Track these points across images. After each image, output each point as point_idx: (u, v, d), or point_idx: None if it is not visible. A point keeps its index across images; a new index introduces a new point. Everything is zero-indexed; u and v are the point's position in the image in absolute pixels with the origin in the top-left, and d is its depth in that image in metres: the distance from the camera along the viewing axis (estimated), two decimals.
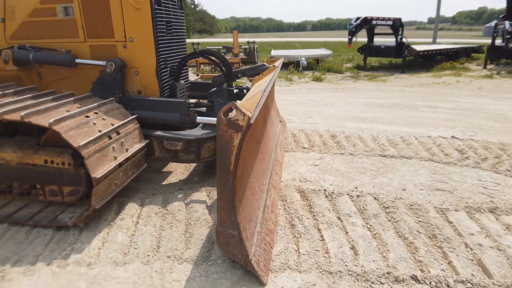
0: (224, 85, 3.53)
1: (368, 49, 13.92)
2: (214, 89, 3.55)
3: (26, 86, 3.19)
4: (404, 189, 3.12)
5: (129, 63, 3.31)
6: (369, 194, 3.03)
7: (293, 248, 2.33)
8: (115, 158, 2.64)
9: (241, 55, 13.51)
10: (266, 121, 3.35)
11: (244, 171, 2.20)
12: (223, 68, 3.54)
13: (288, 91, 8.47)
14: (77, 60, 3.29)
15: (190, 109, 3.19)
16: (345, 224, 2.59)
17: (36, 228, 2.66)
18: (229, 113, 1.86)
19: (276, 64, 4.00)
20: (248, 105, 1.95)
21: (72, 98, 2.92)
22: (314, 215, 2.73)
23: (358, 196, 3.01)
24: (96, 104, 2.89)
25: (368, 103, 6.85)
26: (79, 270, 2.19)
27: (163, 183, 3.41)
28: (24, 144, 2.78)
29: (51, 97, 2.92)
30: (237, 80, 4.35)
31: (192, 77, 4.63)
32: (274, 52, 15.39)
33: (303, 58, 12.75)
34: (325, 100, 7.13)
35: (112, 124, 2.78)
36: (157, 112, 3.20)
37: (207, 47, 15.87)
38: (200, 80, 4.47)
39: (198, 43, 13.35)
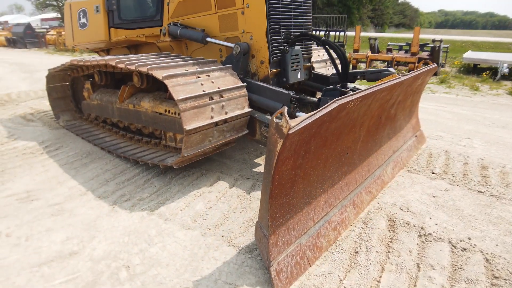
0: (338, 85, 3.30)
1: None
2: (330, 86, 3.37)
3: (177, 53, 3.94)
4: None
5: (245, 28, 3.57)
6: (481, 251, 2.29)
7: (338, 276, 2.07)
8: (212, 117, 2.94)
9: (424, 54, 11.92)
10: (371, 133, 2.96)
11: (299, 178, 2.08)
12: (338, 67, 3.30)
13: (460, 102, 6.99)
14: (208, 39, 3.81)
15: (293, 102, 3.16)
16: (419, 275, 2.08)
17: (152, 179, 3.35)
18: (279, 118, 1.79)
19: (405, 73, 3.39)
20: (307, 116, 1.81)
21: (196, 61, 3.40)
22: (388, 251, 2.31)
23: (464, 249, 2.32)
24: (211, 68, 3.24)
25: None
26: (158, 221, 2.65)
27: (261, 171, 3.58)
28: (156, 97, 3.52)
29: (181, 58, 3.51)
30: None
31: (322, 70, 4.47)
32: (468, 54, 12.77)
33: (505, 65, 10.07)
34: (505, 121, 5.54)
35: (218, 88, 3.06)
36: (262, 97, 3.35)
37: (389, 43, 14.73)
38: (322, 72, 4.28)
39: (375, 38, 12.55)
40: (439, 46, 11.17)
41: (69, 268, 2.18)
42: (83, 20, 5.02)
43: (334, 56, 3.36)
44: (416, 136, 4.09)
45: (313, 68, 4.28)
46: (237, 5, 3.57)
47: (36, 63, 14.69)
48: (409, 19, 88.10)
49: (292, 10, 3.66)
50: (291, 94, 3.17)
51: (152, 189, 3.18)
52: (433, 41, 11.57)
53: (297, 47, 3.74)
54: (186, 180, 3.35)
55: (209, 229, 2.55)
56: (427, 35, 28.75)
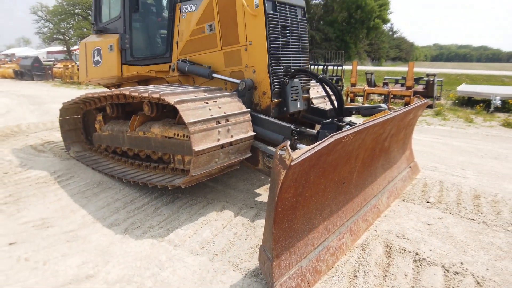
0: (335, 119, 3.57)
1: None
2: (327, 120, 3.64)
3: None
4: None
5: (248, 63, 3.86)
6: (473, 275, 2.44)
7: None
8: (218, 140, 3.16)
9: (420, 88, 12.38)
10: (366, 164, 3.18)
11: (300, 205, 2.28)
12: (334, 102, 3.59)
13: (455, 134, 7.27)
14: (214, 75, 4.11)
15: (294, 135, 3.40)
16: None
17: (161, 208, 3.52)
18: (283, 150, 2.02)
19: (397, 108, 3.67)
20: (307, 149, 2.03)
21: (203, 88, 3.69)
22: (384, 275, 2.45)
23: (456, 273, 2.47)
24: (218, 94, 3.51)
25: None
26: (167, 247, 2.81)
27: (264, 200, 3.77)
28: (166, 123, 3.78)
29: (191, 87, 3.79)
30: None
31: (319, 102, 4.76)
32: (463, 87, 13.26)
33: (498, 97, 10.46)
34: (498, 152, 5.77)
35: (224, 112, 3.31)
36: (266, 130, 3.60)
37: (385, 77, 15.30)
38: (321, 106, 4.56)
39: (372, 73, 13.10)
40: (433, 80, 11.65)
41: None
42: (97, 57, 5.41)
43: (330, 92, 3.66)
44: (410, 167, 4.31)
45: (312, 102, 4.58)
46: (240, 43, 3.90)
47: (43, 95, 15.14)
48: (405, 52, 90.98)
49: (290, 46, 3.99)
50: (292, 127, 3.41)
51: (161, 217, 3.35)
52: (427, 75, 12.08)
53: (296, 79, 4.03)
54: (193, 208, 3.53)
55: (216, 255, 2.71)
56: (423, 69, 29.72)
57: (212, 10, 4.03)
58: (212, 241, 2.90)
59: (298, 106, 4.08)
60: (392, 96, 11.50)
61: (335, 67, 16.38)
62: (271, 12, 3.69)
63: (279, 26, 3.79)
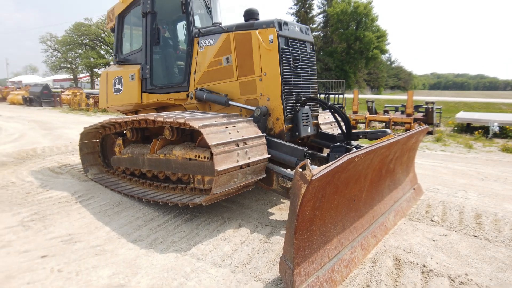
0: (344, 142, 3.85)
1: None
2: (337, 144, 3.92)
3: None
4: None
5: (263, 92, 4.19)
6: (477, 285, 2.63)
7: None
8: (237, 161, 3.40)
9: (419, 115, 12.78)
10: (374, 184, 3.43)
11: (317, 219, 2.52)
12: (343, 127, 3.90)
13: (455, 159, 7.52)
14: (230, 102, 4.41)
15: (306, 157, 3.67)
16: None
17: (181, 225, 3.74)
18: (304, 168, 2.28)
19: (401, 133, 3.97)
20: (324, 166, 2.30)
21: (221, 114, 4.01)
22: (395, 285, 2.64)
23: (461, 283, 2.66)
24: (236, 120, 3.82)
25: None
26: (191, 260, 3.01)
27: (278, 219, 3.98)
28: (186, 146, 4.06)
29: (210, 113, 4.10)
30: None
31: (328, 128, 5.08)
32: (461, 115, 13.67)
33: (496, 124, 10.81)
34: (498, 175, 6.01)
35: (243, 136, 3.59)
36: (279, 152, 3.87)
37: (385, 105, 15.77)
38: (328, 132, 4.87)
39: (372, 101, 13.56)
40: (432, 108, 12.06)
41: None
42: (118, 86, 5.80)
43: (339, 118, 3.97)
44: (414, 189, 4.54)
45: (320, 128, 4.90)
46: (256, 74, 4.25)
47: (53, 121, 15.56)
48: (403, 81, 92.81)
49: (301, 77, 4.36)
50: (305, 149, 3.70)
51: (182, 233, 3.56)
52: (426, 103, 12.51)
53: (306, 107, 4.36)
54: (211, 226, 3.74)
55: (237, 267, 2.90)
56: (421, 97, 30.38)
57: (230, 45, 4.43)
58: (232, 255, 3.10)
59: (309, 131, 4.39)
60: (393, 123, 11.87)
61: (337, 96, 16.92)
62: (284, 47, 4.09)
63: (291, 59, 4.17)
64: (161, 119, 3.81)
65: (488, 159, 7.61)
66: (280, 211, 4.24)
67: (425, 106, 12.82)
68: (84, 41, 58.97)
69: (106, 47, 59.70)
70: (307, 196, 2.25)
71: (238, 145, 3.49)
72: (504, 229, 3.67)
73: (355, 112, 12.87)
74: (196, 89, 4.83)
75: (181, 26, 5.86)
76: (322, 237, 2.64)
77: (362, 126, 13.10)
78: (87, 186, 5.26)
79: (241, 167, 3.47)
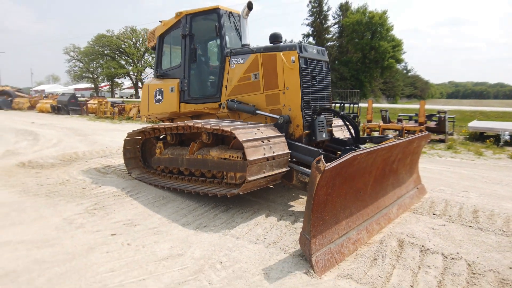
0: (353, 146, 4.56)
1: None
2: (347, 147, 4.63)
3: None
4: (510, 267, 3.12)
5: (285, 103, 5.00)
6: (466, 260, 3.24)
7: (363, 270, 3.06)
8: (264, 154, 4.17)
9: (432, 124, 13.24)
10: (378, 181, 4.14)
11: (329, 202, 3.26)
12: (352, 133, 4.62)
13: (464, 165, 8.02)
14: (258, 111, 5.22)
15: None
16: (420, 271, 3.05)
17: (219, 214, 4.47)
18: (319, 162, 2.99)
19: (401, 138, 4.67)
20: (334, 161, 3.05)
21: (248, 122, 4.92)
22: (397, 258, 3.29)
23: (453, 258, 3.28)
24: (260, 125, 4.68)
25: None
26: (231, 239, 3.74)
27: (300, 210, 4.67)
28: (222, 148, 4.87)
29: (239, 121, 5.02)
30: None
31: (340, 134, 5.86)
32: (474, 123, 14.04)
33: (507, 132, 11.17)
34: (501, 179, 6.51)
35: (265, 134, 4.41)
36: (299, 153, 4.65)
37: (399, 114, 16.27)
38: (339, 136, 5.65)
39: (386, 110, 14.11)
40: (445, 117, 12.52)
41: (180, 263, 3.24)
42: (158, 96, 6.67)
43: (349, 125, 4.71)
44: (417, 188, 5.20)
45: (333, 134, 5.64)
46: (279, 88, 5.07)
47: (83, 128, 16.69)
48: (420, 90, 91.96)
49: (317, 90, 5.18)
50: (320, 151, 4.42)
51: (220, 220, 4.30)
52: (439, 112, 12.99)
53: (322, 116, 5.16)
54: (244, 215, 4.46)
55: (269, 244, 3.61)
56: (438, 106, 30.52)
57: (257, 64, 5.26)
58: (264, 236, 3.81)
59: (324, 136, 5.15)
60: (406, 131, 12.38)
61: (352, 105, 17.51)
62: (304, 66, 4.90)
63: (309, 76, 5.00)
64: (200, 125, 4.66)
65: (495, 165, 8.08)
66: (301, 205, 4.92)
67: (438, 115, 13.31)
68: (106, 52, 61.45)
69: (126, 58, 62.03)
70: (321, 183, 2.98)
71: (263, 142, 4.28)
72: (496, 222, 4.25)
73: (369, 121, 13.44)
74: (228, 100, 5.63)
75: (213, 45, 6.71)
76: (333, 218, 3.36)
77: (376, 134, 13.64)
78: (132, 184, 6.08)
79: (267, 159, 4.22)
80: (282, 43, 5.24)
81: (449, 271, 3.05)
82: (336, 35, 56.68)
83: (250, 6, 5.60)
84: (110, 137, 13.05)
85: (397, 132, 13.17)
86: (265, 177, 4.25)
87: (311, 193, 3.03)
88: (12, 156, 8.94)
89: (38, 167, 7.51)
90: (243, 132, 4.25)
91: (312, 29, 55.97)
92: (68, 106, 27.01)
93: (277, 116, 4.99)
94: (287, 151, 4.51)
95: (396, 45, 50.74)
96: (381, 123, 12.82)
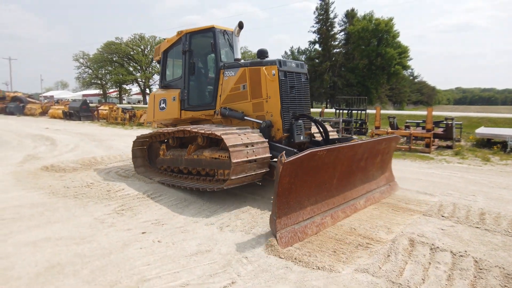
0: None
1: None
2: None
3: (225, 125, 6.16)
4: None
5: (268, 110, 5.76)
6: (473, 257, 3.50)
7: (378, 265, 3.34)
8: (247, 157, 4.88)
9: (439, 130, 13.43)
10: (345, 175, 4.85)
11: (293, 191, 3.92)
12: (323, 135, 5.85)
13: (471, 171, 8.24)
14: (246, 118, 5.97)
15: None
16: (430, 267, 3.31)
17: (240, 215, 4.78)
18: (281, 157, 3.58)
19: (366, 138, 5.28)
20: (293, 156, 3.71)
21: (237, 127, 5.58)
22: (409, 255, 3.55)
23: (461, 255, 3.54)
24: (247, 131, 5.40)
25: None
26: (253, 237, 4.02)
27: None
28: (213, 149, 5.53)
29: (229, 127, 5.74)
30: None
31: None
32: (481, 130, 14.20)
33: None
34: (507, 184, 6.72)
35: (250, 140, 5.12)
36: (277, 152, 5.21)
37: (407, 120, 16.49)
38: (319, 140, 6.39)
39: (394, 117, 14.35)
40: (452, 123, 12.72)
41: (208, 258, 3.55)
42: (163, 105, 7.51)
43: (321, 129, 5.91)
44: (389, 185, 5.98)
45: (314, 137, 6.36)
46: (263, 97, 5.85)
47: (97, 134, 17.14)
48: (427, 96, 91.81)
49: (296, 99, 5.94)
50: (295, 151, 5.10)
51: (242, 221, 4.59)
52: (446, 118, 13.19)
53: (300, 121, 5.89)
54: (264, 216, 4.75)
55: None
56: (445, 112, 30.63)
57: (245, 76, 6.02)
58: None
59: (302, 138, 5.88)
60: (414, 137, 12.60)
61: (359, 111, 17.78)
62: (283, 78, 5.70)
63: (288, 87, 5.77)
64: (196, 130, 5.57)
65: (502, 171, 8.29)
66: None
67: (445, 122, 13.51)
68: (114, 59, 62.55)
69: (135, 64, 63.05)
70: (282, 173, 3.64)
71: (247, 146, 5.00)
72: (502, 223, 4.49)
73: (377, 127, 13.69)
74: (221, 108, 6.34)
75: (210, 60, 7.43)
76: (298, 204, 4.05)
77: None
78: (154, 187, 6.41)
79: (250, 161, 4.94)
80: (267, 58, 6.11)
81: (458, 267, 3.31)
82: (343, 42, 57.11)
83: (241, 26, 6.29)
84: (124, 142, 13.45)
85: (405, 138, 13.36)
86: (246, 176, 4.96)
87: (276, 181, 3.69)
88: (34, 160, 9.35)
89: (61, 170, 7.89)
90: (231, 137, 4.98)
91: (318, 36, 56.48)
92: (80, 112, 27.60)
93: (261, 121, 5.77)
94: (268, 155, 5.22)
95: (403, 51, 50.97)
96: (389, 130, 13.06)
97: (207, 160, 5.61)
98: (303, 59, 59.75)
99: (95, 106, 32.27)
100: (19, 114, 32.77)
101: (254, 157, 4.97)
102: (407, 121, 15.92)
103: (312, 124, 6.24)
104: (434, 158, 10.12)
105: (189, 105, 6.91)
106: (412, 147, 11.87)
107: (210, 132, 5.17)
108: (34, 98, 45.88)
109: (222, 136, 4.88)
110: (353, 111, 17.68)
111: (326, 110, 24.21)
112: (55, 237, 4.08)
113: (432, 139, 11.74)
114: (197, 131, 5.49)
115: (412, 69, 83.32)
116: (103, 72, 65.64)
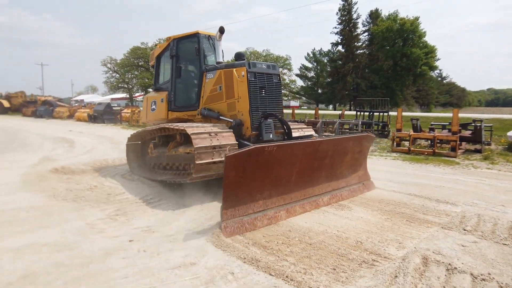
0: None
1: None
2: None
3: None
4: None
5: (239, 109, 5.89)
6: (497, 282, 2.97)
7: (382, 286, 2.88)
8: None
9: (467, 133, 12.52)
10: (305, 172, 4.87)
11: (242, 184, 4.08)
12: (286, 131, 6.01)
13: (501, 177, 7.41)
14: (221, 117, 6.14)
15: None
16: None
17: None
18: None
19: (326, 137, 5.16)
20: (238, 150, 3.84)
21: (211, 125, 5.77)
22: (420, 277, 3.07)
23: (483, 279, 3.02)
24: (219, 130, 5.52)
25: None
26: (244, 249, 3.66)
27: None
28: (187, 145, 5.67)
29: (202, 124, 5.95)
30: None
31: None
32: None
33: None
34: None
35: (214, 130, 5.34)
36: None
37: (432, 123, 15.56)
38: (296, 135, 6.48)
39: (417, 119, 13.54)
40: (481, 125, 11.81)
41: (192, 272, 3.22)
42: (153, 106, 7.75)
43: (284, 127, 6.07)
44: (363, 184, 6.01)
45: (286, 136, 6.22)
46: (235, 97, 5.99)
47: (116, 136, 17.31)
48: (456, 98, 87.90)
49: (266, 99, 6.06)
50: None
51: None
52: (474, 120, 12.28)
53: (270, 120, 5.95)
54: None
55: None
56: (476, 114, 29.03)
57: (221, 78, 6.17)
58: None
59: (270, 137, 5.91)
60: (438, 141, 11.78)
61: (381, 114, 17.02)
62: (252, 79, 5.82)
63: (258, 87, 5.91)
64: (172, 127, 5.77)
65: None
66: None
67: (473, 124, 12.58)
68: (140, 63, 64.02)
69: None
70: (227, 167, 3.76)
71: (210, 135, 5.20)
72: None
73: (399, 130, 12.95)
74: (202, 108, 6.52)
75: (195, 63, 7.37)
76: (248, 197, 4.11)
77: (406, 143, 13.09)
78: (155, 191, 6.19)
79: (214, 147, 5.10)
80: (242, 60, 6.26)
81: None
82: (366, 42, 55.66)
83: (221, 30, 6.46)
84: None
85: (429, 141, 12.54)
86: (214, 162, 5.00)
87: (224, 174, 3.81)
88: (48, 162, 9.41)
89: (70, 173, 7.85)
90: (195, 129, 5.24)
91: (341, 37, 55.37)
92: (104, 115, 28.26)
93: (231, 120, 5.95)
94: (234, 142, 5.38)
95: (430, 51, 48.96)
96: (412, 132, 12.30)
97: (182, 155, 5.88)
98: (325, 60, 58.75)
99: (119, 109, 33.04)
100: (48, 117, 34.01)
101: (219, 143, 5.15)
102: (432, 123, 15.01)
103: (300, 124, 6.46)
104: (460, 163, 9.37)
105: (175, 106, 7.14)
106: (437, 150, 11.08)
107: (183, 128, 5.39)
108: (65, 102, 47.66)
109: (185, 128, 5.23)
110: (375, 113, 16.93)
111: (346, 112, 23.45)
112: (40, 243, 3.89)
113: (458, 142, 10.91)
114: (168, 127, 5.92)
115: (440, 70, 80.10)
116: (129, 76, 67.32)
